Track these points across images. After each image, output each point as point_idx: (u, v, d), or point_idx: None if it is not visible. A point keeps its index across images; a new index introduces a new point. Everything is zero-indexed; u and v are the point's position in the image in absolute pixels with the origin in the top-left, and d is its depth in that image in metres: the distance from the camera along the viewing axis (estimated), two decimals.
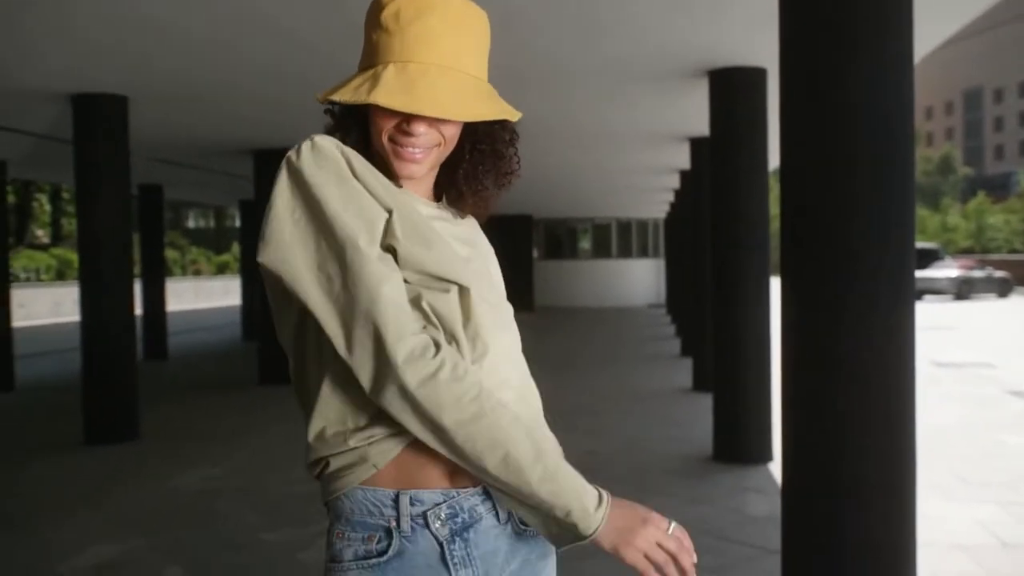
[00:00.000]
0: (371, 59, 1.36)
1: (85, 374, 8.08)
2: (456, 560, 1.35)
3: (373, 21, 1.38)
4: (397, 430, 1.32)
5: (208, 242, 47.99)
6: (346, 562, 1.37)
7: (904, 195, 3.28)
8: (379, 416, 1.33)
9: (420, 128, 1.34)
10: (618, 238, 29.27)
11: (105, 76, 7.30)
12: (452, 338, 1.35)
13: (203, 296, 35.36)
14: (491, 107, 1.37)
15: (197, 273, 41.61)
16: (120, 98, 7.94)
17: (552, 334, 18.47)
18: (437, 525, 1.34)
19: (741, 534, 5.12)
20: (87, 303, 8.11)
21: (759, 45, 6.42)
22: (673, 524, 1.33)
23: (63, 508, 5.90)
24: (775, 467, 6.74)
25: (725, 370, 7.26)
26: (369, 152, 1.41)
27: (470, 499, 1.37)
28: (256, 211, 12.88)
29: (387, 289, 1.28)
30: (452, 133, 1.38)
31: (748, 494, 6.05)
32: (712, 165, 7.58)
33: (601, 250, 29.39)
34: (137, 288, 10.22)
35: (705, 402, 8.25)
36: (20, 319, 17.75)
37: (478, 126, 1.44)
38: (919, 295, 29.15)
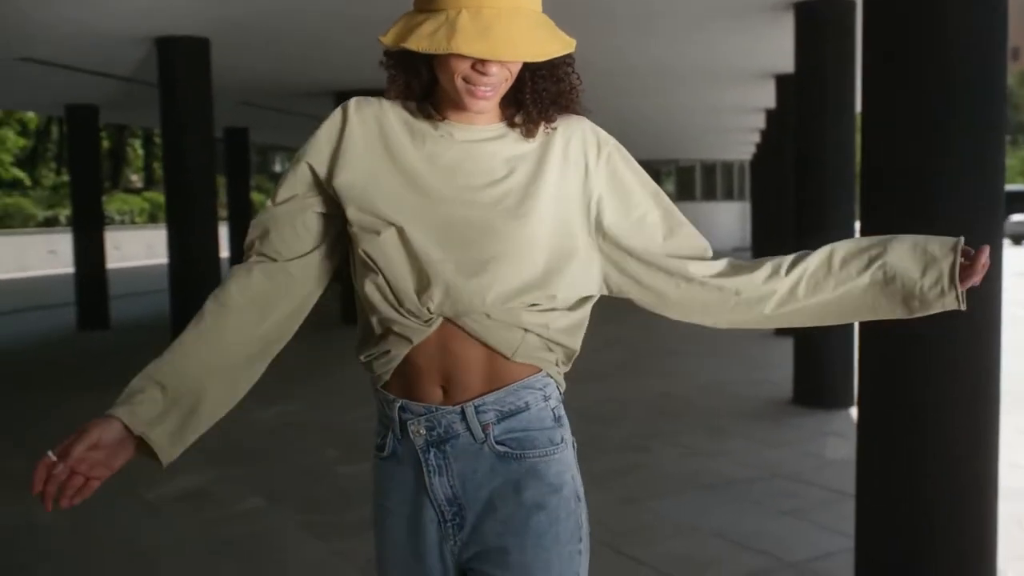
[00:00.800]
0: (435, 1, 1.40)
1: (173, 313, 8.35)
2: (431, 467, 1.54)
3: None
4: (391, 349, 1.52)
5: None
6: (374, 450, 1.64)
7: (997, 132, 3.13)
8: (379, 337, 1.53)
9: (493, 68, 1.42)
10: (703, 180, 28.83)
11: (186, 18, 7.39)
12: (389, 281, 1.47)
13: None
14: (558, 44, 1.44)
15: None
16: (202, 40, 8.03)
17: None
18: (416, 434, 1.54)
19: (820, 478, 5.06)
20: (174, 245, 8.34)
21: None
22: (51, 454, 1.41)
23: None
24: (856, 411, 6.61)
25: None
26: (436, 87, 1.51)
27: (447, 416, 1.52)
28: None
29: (253, 227, 1.58)
30: (517, 67, 1.47)
31: (828, 438, 5.96)
32: (797, 104, 7.35)
33: (685, 192, 28.98)
34: (224, 231, 10.44)
35: (786, 346, 8.11)
36: (115, 260, 18.30)
37: None
38: (1019, 239, 28.12)
